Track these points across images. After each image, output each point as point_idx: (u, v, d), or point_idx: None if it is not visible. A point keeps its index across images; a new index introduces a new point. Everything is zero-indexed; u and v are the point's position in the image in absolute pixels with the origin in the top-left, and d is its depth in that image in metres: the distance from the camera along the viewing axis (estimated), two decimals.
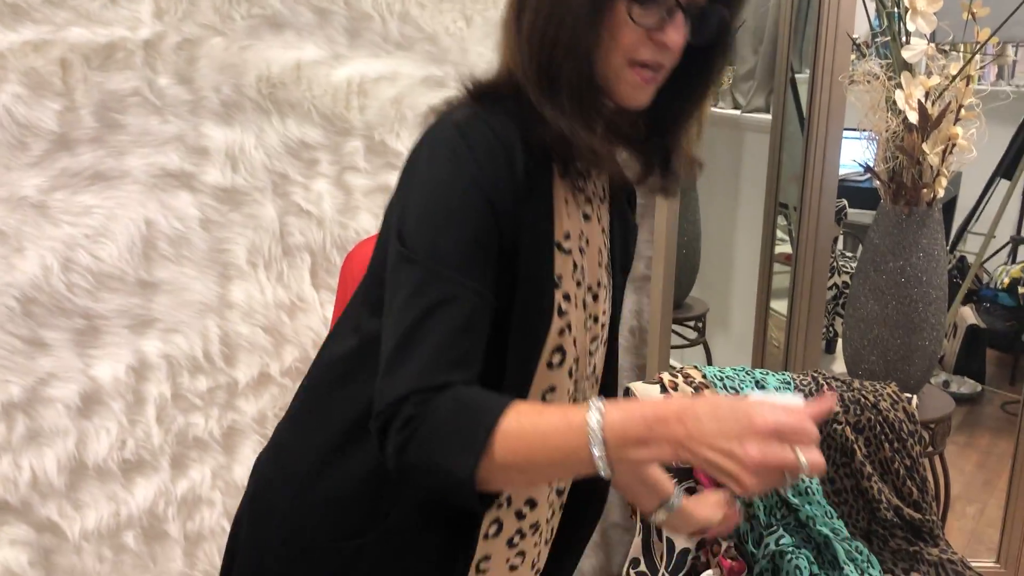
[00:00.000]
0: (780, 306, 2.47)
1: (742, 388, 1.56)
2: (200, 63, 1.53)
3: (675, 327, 2.38)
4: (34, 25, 1.42)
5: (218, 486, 1.69)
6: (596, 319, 0.98)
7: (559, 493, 1.04)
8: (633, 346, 2.03)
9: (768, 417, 0.75)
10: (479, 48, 1.68)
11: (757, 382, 1.58)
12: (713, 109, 2.48)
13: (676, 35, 0.87)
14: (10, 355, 1.49)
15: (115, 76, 1.48)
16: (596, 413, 0.79)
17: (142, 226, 1.54)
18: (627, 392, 1.59)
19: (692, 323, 2.67)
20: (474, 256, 0.86)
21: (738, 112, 2.70)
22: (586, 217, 0.97)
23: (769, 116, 2.55)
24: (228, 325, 1.64)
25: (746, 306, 2.62)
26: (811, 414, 0.77)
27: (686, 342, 2.66)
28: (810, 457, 0.75)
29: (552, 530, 1.06)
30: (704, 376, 1.57)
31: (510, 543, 0.98)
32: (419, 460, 0.82)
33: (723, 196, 2.85)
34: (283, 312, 1.68)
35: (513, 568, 0.99)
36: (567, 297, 0.93)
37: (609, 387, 1.07)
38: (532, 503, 0.98)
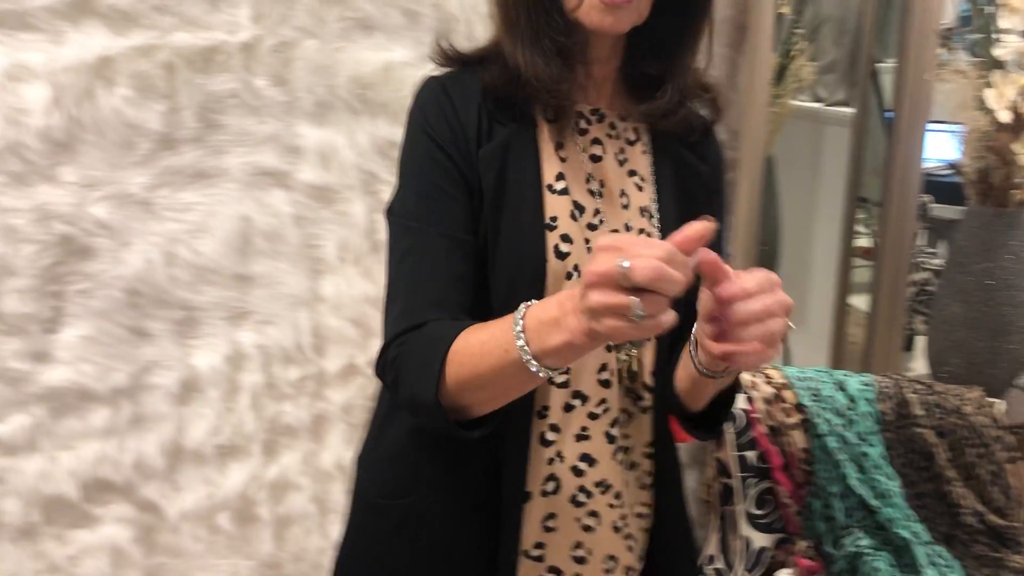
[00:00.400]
0: (857, 302, 2.44)
1: (822, 389, 1.56)
2: (295, 65, 1.58)
3: None
4: (142, 31, 1.49)
5: (307, 472, 1.76)
6: None
7: (624, 451, 1.04)
8: None
9: (591, 267, 0.74)
10: None
11: (838, 383, 1.58)
12: (794, 102, 2.46)
13: None
14: (116, 344, 1.58)
15: (215, 78, 1.54)
16: (523, 307, 0.83)
17: (239, 222, 1.61)
18: None
19: None
20: (437, 201, 0.96)
21: (819, 105, 2.67)
22: (595, 158, 1.01)
23: (850, 109, 2.52)
24: (318, 317, 1.70)
25: (822, 302, 2.60)
26: (675, 243, 0.74)
27: None
28: (640, 272, 0.70)
29: (644, 506, 1.07)
30: (785, 377, 1.58)
31: (575, 501, 1.01)
32: (403, 395, 0.92)
33: (801, 190, 2.83)
34: (369, 306, 1.73)
35: (588, 529, 1.02)
36: (566, 238, 0.97)
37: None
38: (589, 459, 1.00)
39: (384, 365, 0.95)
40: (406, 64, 1.65)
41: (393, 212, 0.99)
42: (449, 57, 1.02)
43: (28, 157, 1.46)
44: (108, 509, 1.63)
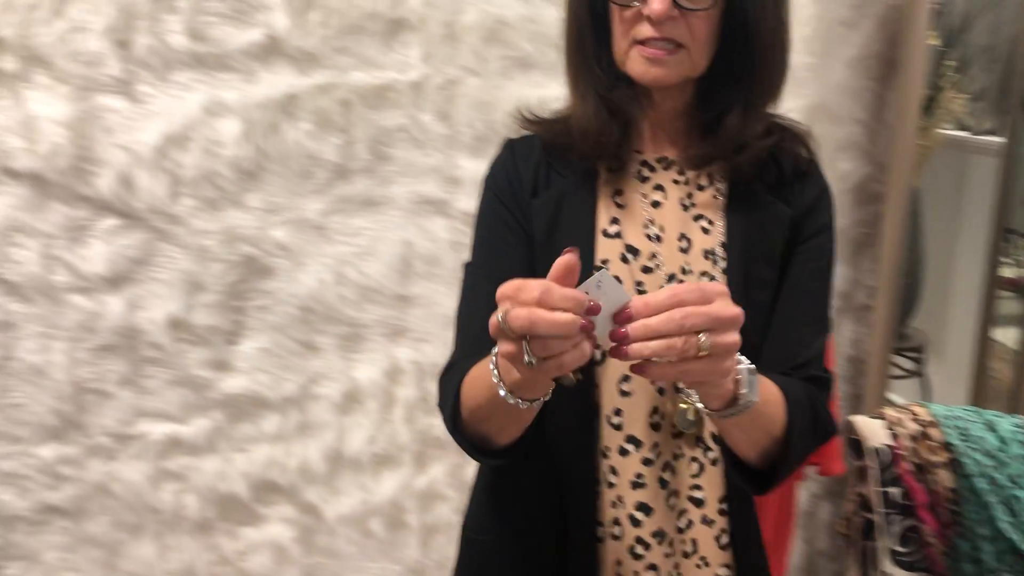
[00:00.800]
0: (1002, 336, 2.38)
1: (971, 429, 1.55)
2: (458, 101, 1.68)
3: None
4: (324, 70, 1.61)
5: (452, 483, 1.85)
6: None
7: (697, 503, 1.03)
8: (850, 376, 2.04)
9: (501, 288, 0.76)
10: None
11: (988, 424, 1.56)
12: (940, 131, 2.42)
13: (657, 4, 0.92)
14: (289, 356, 1.71)
15: (386, 114, 1.66)
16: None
17: (402, 246, 1.72)
18: (849, 426, 1.62)
19: (909, 354, 2.61)
20: (495, 250, 1.05)
21: (966, 134, 2.62)
22: (656, 204, 1.04)
23: (999, 139, 2.46)
24: None
25: (962, 335, 2.54)
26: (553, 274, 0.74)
27: (902, 373, 2.61)
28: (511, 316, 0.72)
29: (724, 567, 1.05)
30: (932, 415, 1.57)
31: (633, 553, 1.02)
32: (445, 429, 1.01)
33: (944, 220, 2.77)
34: None
35: None
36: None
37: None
38: (645, 508, 1.01)
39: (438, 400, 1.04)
40: (560, 100, 1.73)
41: (467, 262, 1.08)
42: (529, 121, 1.10)
43: (220, 184, 1.61)
44: (274, 509, 1.76)
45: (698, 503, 1.03)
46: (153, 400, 1.66)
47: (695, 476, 1.03)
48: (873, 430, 1.56)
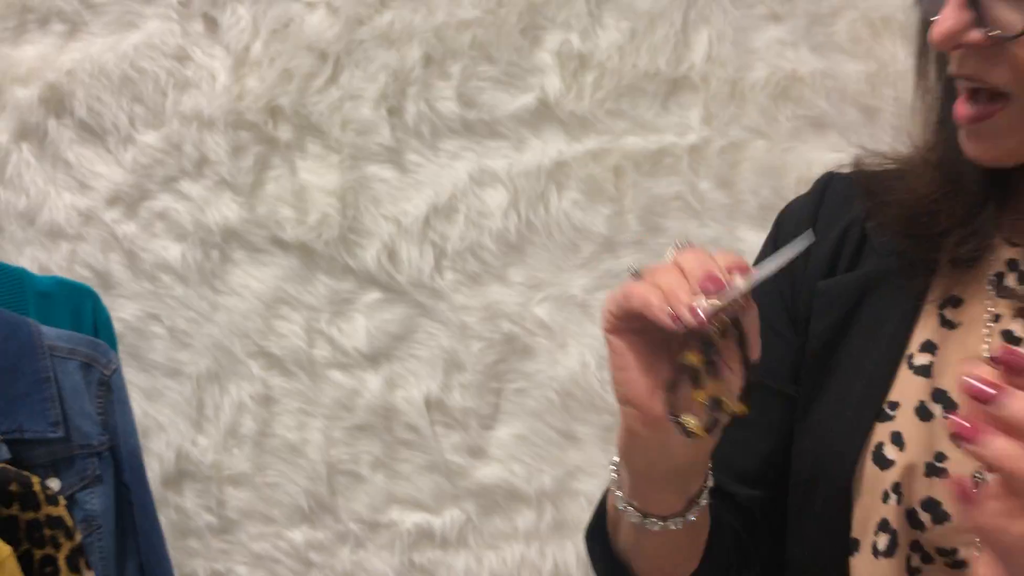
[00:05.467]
0: None
1: None
2: (741, 166, 1.52)
3: None
4: (596, 136, 1.50)
5: None
6: None
7: None
8: None
9: None
10: None
11: None
12: None
13: (941, 23, 0.58)
14: (546, 446, 1.57)
15: (661, 181, 1.52)
16: None
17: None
18: None
19: None
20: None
21: None
22: (1011, 338, 0.64)
23: None
24: None
25: None
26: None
27: None
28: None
29: None
30: None
31: None
32: None
33: None
34: None
35: None
36: (897, 438, 0.65)
37: None
38: None
39: None
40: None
41: None
42: (862, 160, 0.80)
43: (483, 257, 1.52)
44: None
45: None
46: (406, 486, 1.57)
47: None
48: None
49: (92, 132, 1.53)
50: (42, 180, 1.54)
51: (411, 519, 1.57)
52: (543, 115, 1.50)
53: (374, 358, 1.54)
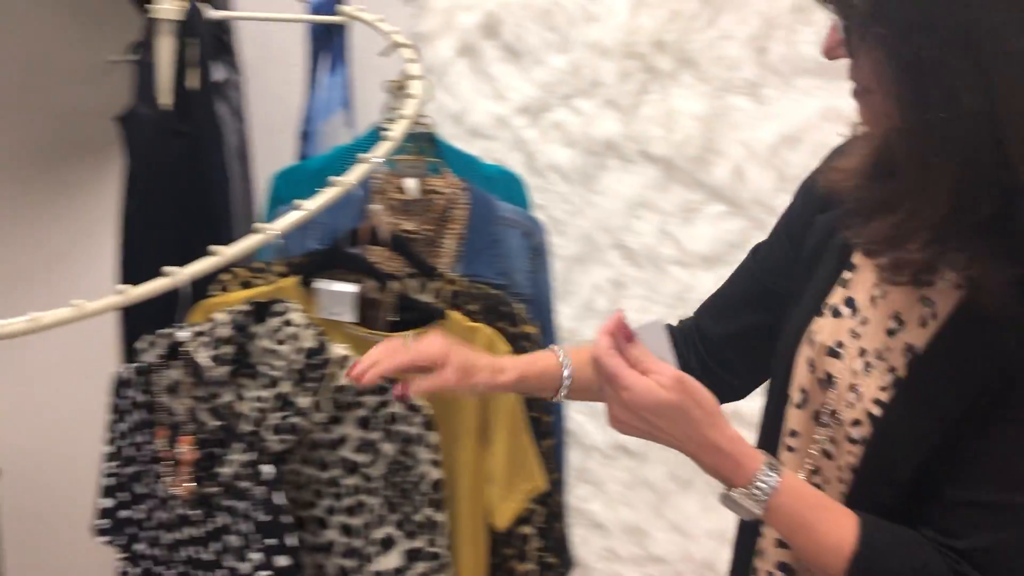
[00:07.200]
0: None
1: None
2: None
3: None
4: None
5: None
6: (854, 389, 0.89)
7: None
8: None
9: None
10: None
11: None
12: None
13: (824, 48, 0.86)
14: None
15: None
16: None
17: None
18: None
19: None
20: (769, 238, 1.10)
21: None
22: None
23: None
24: None
25: None
26: None
27: None
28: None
29: None
30: None
31: None
32: None
33: None
34: None
35: None
36: (820, 330, 0.94)
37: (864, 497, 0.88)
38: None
39: None
40: None
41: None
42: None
43: None
44: None
45: None
46: None
47: None
48: None
49: (513, 53, 1.88)
50: (471, 89, 1.93)
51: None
52: None
53: (711, 261, 1.79)
